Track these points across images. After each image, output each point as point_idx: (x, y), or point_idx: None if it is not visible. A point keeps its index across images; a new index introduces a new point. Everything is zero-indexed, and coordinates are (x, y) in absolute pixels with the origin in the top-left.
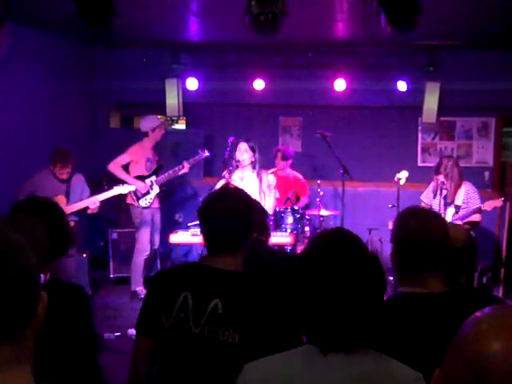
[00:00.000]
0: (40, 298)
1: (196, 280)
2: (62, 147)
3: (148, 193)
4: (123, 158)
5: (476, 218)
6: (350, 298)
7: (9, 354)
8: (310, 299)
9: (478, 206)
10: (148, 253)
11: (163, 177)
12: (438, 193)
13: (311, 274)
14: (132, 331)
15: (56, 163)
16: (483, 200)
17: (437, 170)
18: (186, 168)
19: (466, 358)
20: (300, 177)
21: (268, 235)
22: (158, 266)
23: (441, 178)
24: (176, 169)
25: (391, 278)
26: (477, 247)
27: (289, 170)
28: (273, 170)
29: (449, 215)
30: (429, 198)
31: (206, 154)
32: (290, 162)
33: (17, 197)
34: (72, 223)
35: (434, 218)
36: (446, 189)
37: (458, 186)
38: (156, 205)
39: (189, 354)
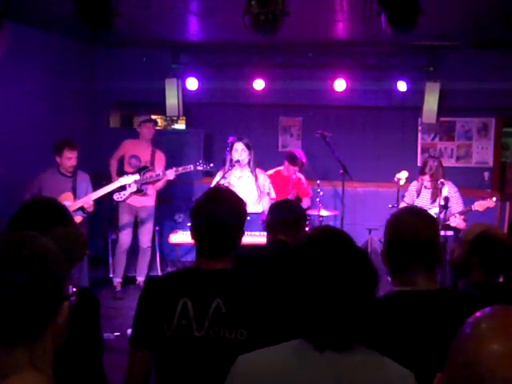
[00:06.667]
0: (62, 308)
1: (192, 285)
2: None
3: (124, 189)
4: (117, 152)
5: (460, 224)
6: (340, 293)
7: (22, 358)
8: (301, 296)
9: (464, 207)
10: (125, 248)
11: (145, 177)
12: (431, 194)
13: (301, 271)
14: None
15: (63, 149)
16: (477, 199)
17: (422, 171)
18: (170, 175)
19: (466, 359)
20: (302, 179)
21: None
22: (158, 267)
23: (426, 178)
24: (160, 174)
25: (389, 278)
26: None
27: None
28: (277, 169)
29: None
30: (410, 197)
31: (199, 167)
32: (297, 166)
33: (22, 197)
34: (80, 218)
35: (424, 216)
36: (429, 188)
37: (442, 186)
38: (141, 203)
39: (194, 358)
